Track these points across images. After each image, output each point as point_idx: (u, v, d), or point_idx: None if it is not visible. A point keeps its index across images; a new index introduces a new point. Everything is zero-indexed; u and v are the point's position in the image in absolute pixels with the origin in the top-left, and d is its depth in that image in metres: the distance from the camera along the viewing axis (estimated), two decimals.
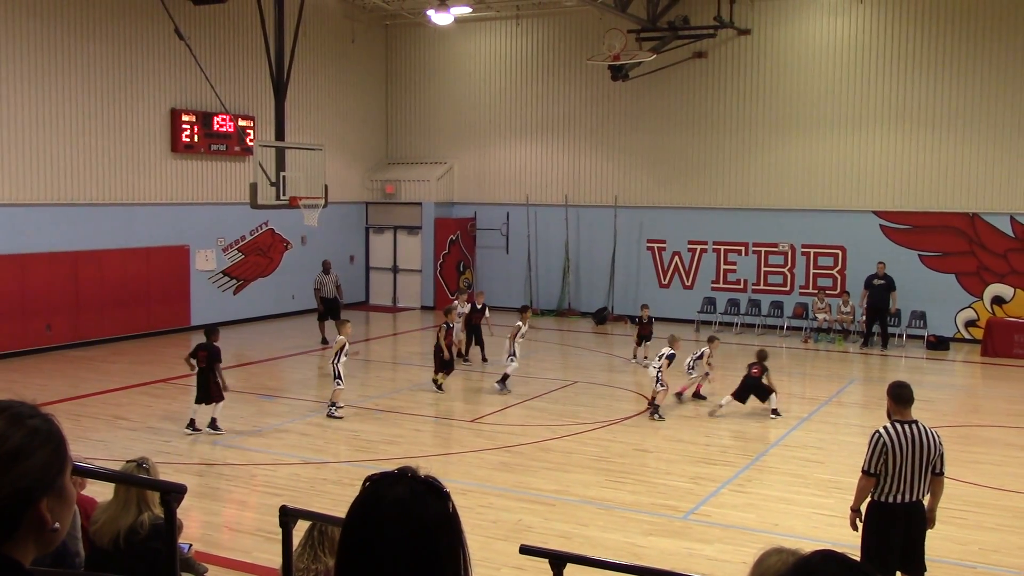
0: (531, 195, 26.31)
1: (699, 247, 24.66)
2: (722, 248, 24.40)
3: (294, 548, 5.44)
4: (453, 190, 27.51)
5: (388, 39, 28.08)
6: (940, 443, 7.23)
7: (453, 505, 1.92)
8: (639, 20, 22.37)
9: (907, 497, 7.16)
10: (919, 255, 22.27)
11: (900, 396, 7.29)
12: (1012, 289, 21.57)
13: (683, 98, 24.44)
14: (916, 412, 13.11)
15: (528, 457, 12.26)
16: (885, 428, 7.20)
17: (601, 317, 24.95)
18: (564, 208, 25.91)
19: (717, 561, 8.89)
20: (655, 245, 25.18)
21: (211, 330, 13.61)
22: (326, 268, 21.47)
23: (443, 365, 16.09)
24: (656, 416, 14.23)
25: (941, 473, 7.25)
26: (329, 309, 20.98)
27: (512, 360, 16.26)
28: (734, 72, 23.84)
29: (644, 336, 19.32)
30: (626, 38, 22.52)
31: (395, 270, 27.61)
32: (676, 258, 24.97)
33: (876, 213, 22.66)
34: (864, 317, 21.72)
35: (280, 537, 5.00)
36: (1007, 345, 20.43)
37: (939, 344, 21.33)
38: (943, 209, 22.07)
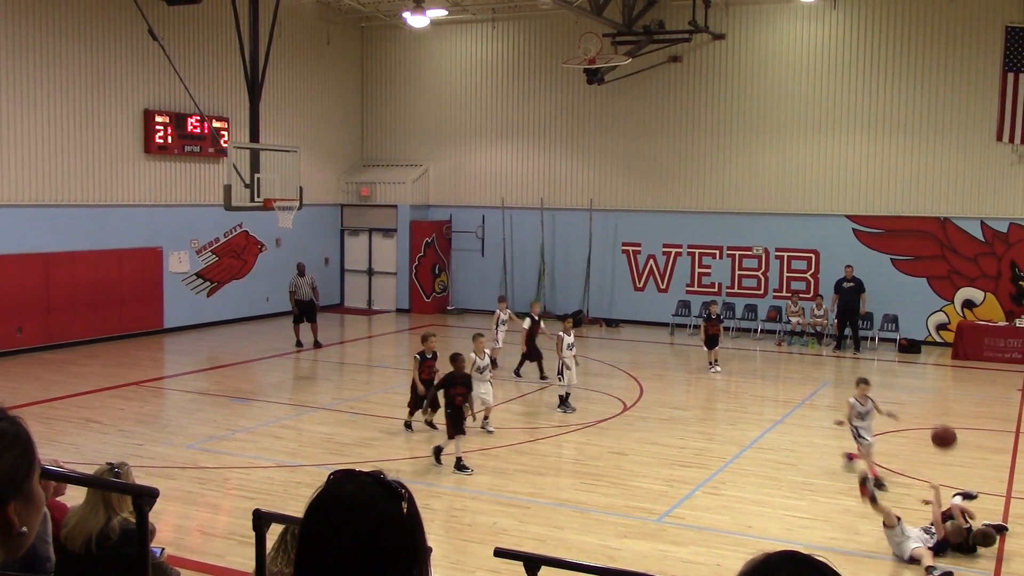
0: (507, 198, 26.34)
1: (674, 250, 24.77)
2: (697, 251, 24.52)
3: (267, 552, 5.42)
4: (429, 193, 27.49)
5: (364, 41, 28.03)
6: None
7: (410, 508, 1.93)
8: (615, 24, 22.44)
9: None
10: (891, 259, 22.47)
11: None
12: (982, 293, 21.82)
13: (658, 102, 24.55)
14: (886, 416, 13.15)
15: (503, 460, 12.27)
16: None
17: (576, 320, 24.95)
18: (540, 211, 25.96)
19: (691, 563, 8.93)
20: (630, 248, 25.27)
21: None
22: (301, 270, 21.38)
23: (420, 402, 13.19)
24: None
25: None
26: (304, 311, 20.90)
27: (561, 377, 15.08)
28: (709, 76, 23.97)
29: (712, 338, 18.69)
30: (602, 42, 22.60)
31: (370, 273, 27.55)
32: (651, 261, 25.07)
33: (849, 217, 22.85)
34: (836, 320, 21.91)
35: (253, 541, 4.98)
36: (977, 348, 20.64)
37: (911, 347, 21.52)
38: (914, 213, 22.29)
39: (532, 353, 17.65)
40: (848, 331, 21.74)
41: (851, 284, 21.60)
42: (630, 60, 22.87)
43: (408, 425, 13.64)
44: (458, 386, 11.85)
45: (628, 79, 24.02)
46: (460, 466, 11.55)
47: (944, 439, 10.26)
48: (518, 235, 26.39)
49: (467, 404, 11.89)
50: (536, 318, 17.78)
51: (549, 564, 5.13)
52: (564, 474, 11.70)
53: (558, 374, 15.18)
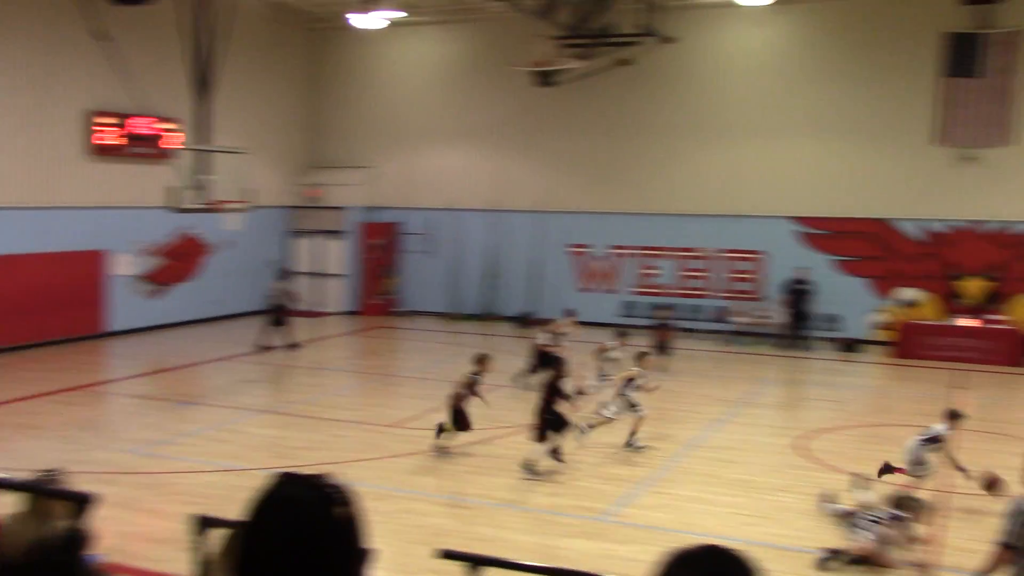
0: (456, 200, 26.36)
1: (621, 252, 24.99)
2: (644, 253, 24.77)
3: (209, 558, 5.42)
4: (378, 194, 27.41)
5: (314, 43, 27.88)
6: None
7: (351, 511, 1.97)
8: (565, 27, 22.59)
9: None
10: (834, 260, 22.89)
11: None
12: (921, 292, 22.31)
13: (608, 105, 24.75)
14: (828, 414, 13.44)
15: (449, 461, 12.33)
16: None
17: (524, 321, 25.12)
18: (489, 213, 26.02)
19: (633, 561, 9.04)
20: (578, 249, 25.44)
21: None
22: (278, 274, 21.49)
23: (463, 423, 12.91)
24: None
25: None
26: (276, 315, 20.79)
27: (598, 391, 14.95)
28: (659, 80, 24.21)
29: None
30: (552, 45, 22.72)
31: (319, 275, 27.40)
32: (598, 263, 25.27)
33: (794, 219, 23.22)
34: (785, 320, 22.29)
35: (195, 547, 4.99)
36: (917, 347, 21.11)
37: (852, 346, 21.95)
38: (856, 215, 22.72)
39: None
40: (793, 331, 22.13)
41: (802, 286, 22.02)
42: (580, 63, 23.03)
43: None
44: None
45: (578, 82, 24.16)
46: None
47: (994, 484, 10.08)
48: (467, 237, 26.44)
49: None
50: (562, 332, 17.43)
51: (492, 564, 5.20)
52: (509, 474, 11.77)
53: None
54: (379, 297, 27.02)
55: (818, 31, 22.93)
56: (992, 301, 21.67)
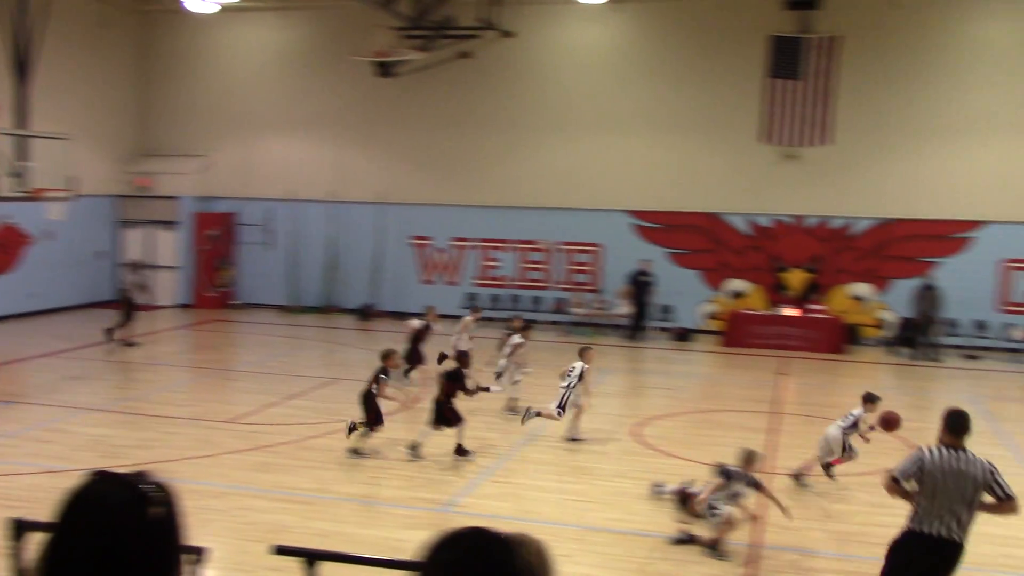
0: (295, 190, 25.86)
1: (463, 244, 25.11)
2: (485, 245, 24.97)
3: (29, 564, 5.16)
4: (213, 184, 26.58)
5: (145, 25, 26.75)
6: (991, 471, 6.59)
7: (167, 511, 1.92)
8: (405, 18, 22.48)
9: (941, 531, 6.57)
10: (667, 252, 23.68)
11: (953, 426, 6.73)
12: (749, 284, 23.36)
13: (449, 97, 24.79)
14: (662, 401, 13.88)
15: (287, 456, 12.11)
16: (929, 447, 6.72)
17: (365, 313, 24.93)
18: (329, 204, 25.65)
19: None
20: (419, 242, 25.42)
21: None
22: (130, 267, 20.67)
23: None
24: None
25: (1005, 498, 6.59)
26: (125, 309, 19.95)
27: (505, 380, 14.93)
28: (499, 73, 24.41)
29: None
30: (392, 35, 22.58)
31: (151, 267, 26.34)
32: (440, 255, 25.32)
33: (629, 212, 23.89)
34: (629, 311, 22.94)
35: (12, 553, 4.72)
36: (744, 336, 22.10)
37: (684, 336, 22.79)
38: (689, 209, 23.57)
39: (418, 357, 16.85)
40: (640, 322, 22.85)
41: (646, 278, 22.73)
42: (421, 55, 22.97)
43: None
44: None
45: (419, 74, 24.10)
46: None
47: (892, 422, 10.84)
48: (306, 228, 25.99)
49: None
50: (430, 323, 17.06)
51: (328, 559, 5.13)
52: (349, 468, 11.67)
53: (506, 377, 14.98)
54: (214, 290, 26.24)
55: (653, 30, 23.64)
56: (813, 292, 22.90)
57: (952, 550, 6.60)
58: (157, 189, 26.11)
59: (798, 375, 19.07)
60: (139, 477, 1.96)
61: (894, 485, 6.80)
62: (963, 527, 6.60)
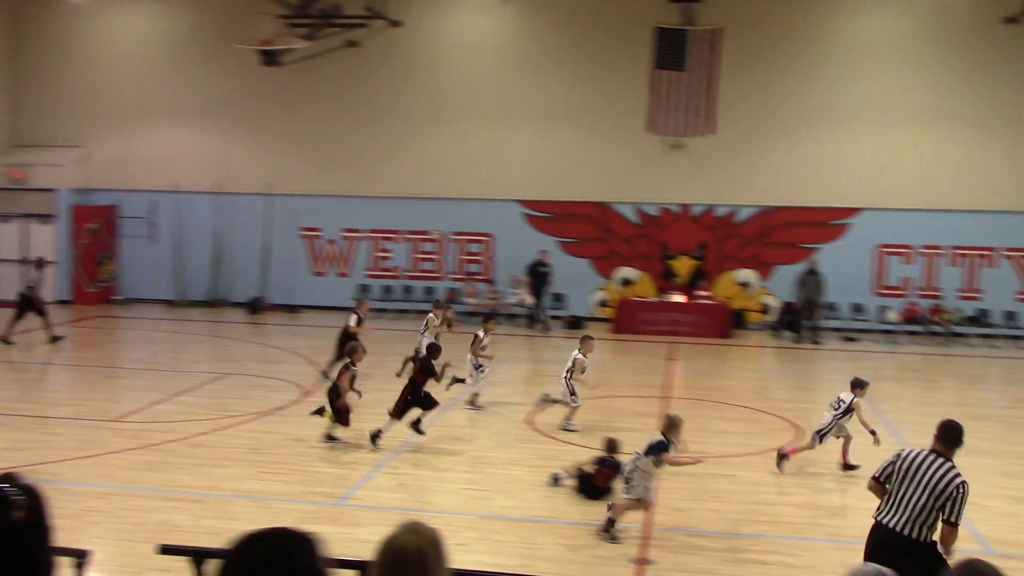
0: (180, 181, 25.17)
1: (354, 235, 24.87)
2: (376, 236, 24.78)
3: None
4: (92, 176, 25.67)
5: (17, 10, 25.62)
6: (955, 489, 6.51)
7: (30, 515, 1.85)
8: (291, 6, 22.08)
9: (893, 524, 6.71)
10: (558, 241, 23.90)
11: (944, 436, 6.77)
12: (638, 271, 23.77)
13: (337, 86, 24.48)
14: (555, 388, 13.97)
15: (176, 454, 11.81)
16: (911, 449, 6.86)
17: (254, 307, 24.48)
18: (215, 195, 25.06)
19: (371, 543, 9.02)
20: (309, 233, 25.07)
21: None
22: (34, 264, 19.90)
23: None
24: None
25: (949, 522, 6.55)
26: (24, 306, 19.27)
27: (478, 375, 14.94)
28: (387, 63, 24.21)
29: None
30: (277, 23, 22.15)
31: (25, 262, 25.25)
32: (331, 246, 25.03)
33: (520, 202, 24.02)
34: (529, 300, 23.08)
35: None
36: (634, 322, 22.50)
37: (576, 323, 23.06)
38: (578, 199, 23.84)
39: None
40: (539, 311, 23.03)
41: (544, 268, 22.91)
42: (306, 43, 22.61)
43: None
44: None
45: (306, 62, 23.72)
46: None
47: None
48: (192, 220, 25.34)
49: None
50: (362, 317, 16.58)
51: (216, 557, 5.03)
52: (241, 464, 11.45)
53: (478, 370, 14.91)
54: (95, 285, 25.38)
55: (542, 20, 23.78)
56: (699, 279, 23.43)
57: (903, 543, 6.60)
58: (32, 181, 25.07)
59: (686, 360, 19.51)
60: (1, 480, 1.89)
61: (874, 483, 6.99)
62: (917, 525, 6.60)
